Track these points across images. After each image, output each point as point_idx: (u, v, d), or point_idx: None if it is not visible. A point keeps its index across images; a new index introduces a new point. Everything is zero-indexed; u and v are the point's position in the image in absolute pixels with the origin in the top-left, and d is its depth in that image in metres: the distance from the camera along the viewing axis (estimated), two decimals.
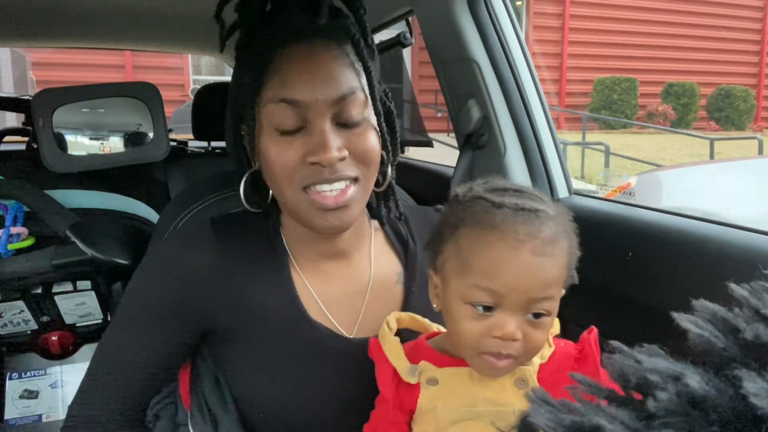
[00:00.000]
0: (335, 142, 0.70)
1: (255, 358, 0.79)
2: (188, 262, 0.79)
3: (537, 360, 0.64)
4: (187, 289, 0.78)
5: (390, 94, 0.83)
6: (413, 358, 0.70)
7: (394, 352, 0.70)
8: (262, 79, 0.71)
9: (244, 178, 0.79)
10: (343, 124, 0.72)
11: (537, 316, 0.60)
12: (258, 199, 0.82)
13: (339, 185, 0.72)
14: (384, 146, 0.78)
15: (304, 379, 0.79)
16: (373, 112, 0.76)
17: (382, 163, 0.79)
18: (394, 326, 0.74)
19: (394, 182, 0.85)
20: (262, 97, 0.72)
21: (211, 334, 0.81)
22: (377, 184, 0.81)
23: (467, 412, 0.64)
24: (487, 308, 0.60)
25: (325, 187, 0.71)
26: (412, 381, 0.67)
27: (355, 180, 0.73)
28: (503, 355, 0.60)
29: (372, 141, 0.74)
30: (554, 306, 0.62)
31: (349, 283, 0.83)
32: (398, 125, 0.84)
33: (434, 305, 0.71)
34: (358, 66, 0.74)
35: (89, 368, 0.81)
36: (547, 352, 0.66)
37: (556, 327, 0.69)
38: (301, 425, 0.80)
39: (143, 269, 0.82)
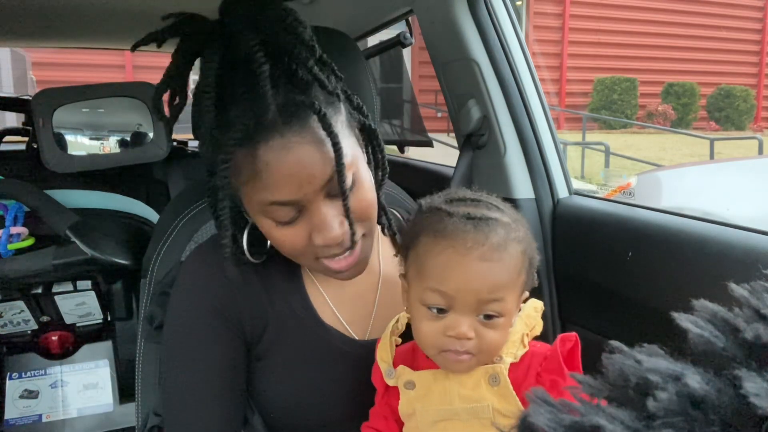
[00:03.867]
0: (335, 220, 0.68)
1: (269, 362, 0.80)
2: (222, 274, 0.76)
3: (509, 359, 0.67)
4: (226, 296, 0.78)
5: (364, 108, 0.75)
6: (409, 358, 0.73)
7: (382, 353, 0.73)
8: (240, 179, 0.65)
9: (246, 234, 0.75)
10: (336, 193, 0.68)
11: (488, 317, 0.64)
12: (260, 249, 0.77)
13: (349, 251, 0.72)
14: (370, 166, 0.72)
15: (317, 382, 0.80)
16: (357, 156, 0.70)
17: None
18: (403, 325, 0.76)
19: (384, 201, 0.81)
20: (248, 195, 0.67)
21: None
22: None
23: (445, 411, 0.67)
24: (441, 310, 0.65)
25: (337, 256, 0.72)
26: (390, 384, 0.71)
27: (363, 236, 0.73)
28: (462, 352, 0.64)
29: (367, 194, 0.71)
30: (506, 308, 0.65)
31: (360, 285, 0.83)
32: (381, 138, 0.78)
33: (405, 306, 0.74)
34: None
35: (165, 417, 0.79)
36: (520, 351, 0.68)
37: (537, 328, 0.71)
38: (314, 426, 0.81)
39: (183, 288, 0.80)
